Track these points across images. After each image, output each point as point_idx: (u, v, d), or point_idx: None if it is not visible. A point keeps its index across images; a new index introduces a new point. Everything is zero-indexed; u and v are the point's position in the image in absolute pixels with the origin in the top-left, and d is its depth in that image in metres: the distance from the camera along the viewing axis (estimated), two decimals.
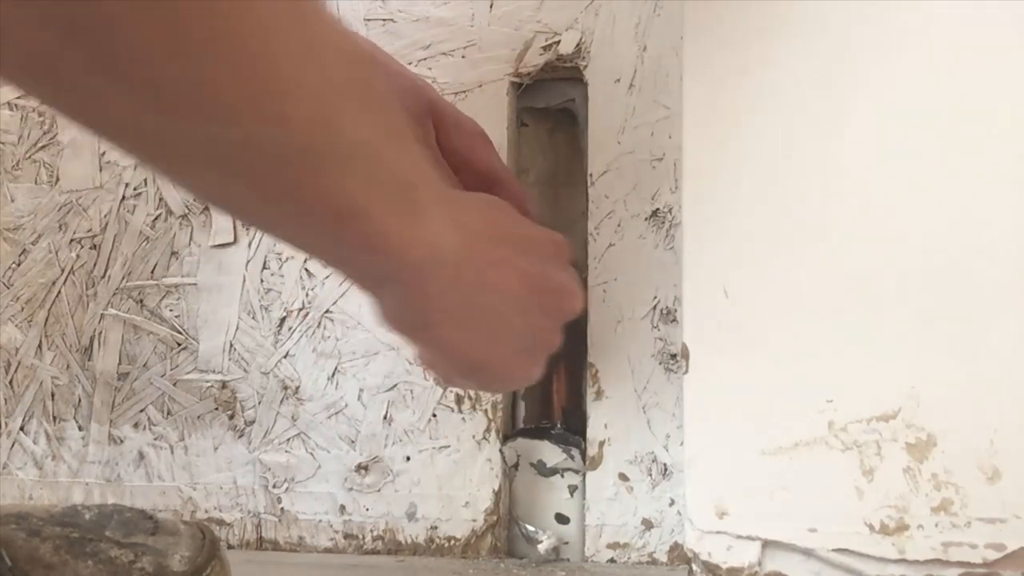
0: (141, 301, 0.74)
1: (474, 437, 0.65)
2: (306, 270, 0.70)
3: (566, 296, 0.49)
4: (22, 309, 0.77)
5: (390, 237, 0.35)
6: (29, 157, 0.78)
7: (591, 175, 0.64)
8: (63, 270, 0.76)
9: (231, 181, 0.32)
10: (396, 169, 0.35)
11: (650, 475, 0.61)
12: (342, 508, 0.67)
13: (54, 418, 0.75)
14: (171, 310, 0.73)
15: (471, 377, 0.47)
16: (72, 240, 0.76)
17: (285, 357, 0.70)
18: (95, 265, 0.75)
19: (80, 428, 0.74)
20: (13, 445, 0.75)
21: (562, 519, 0.64)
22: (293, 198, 0.33)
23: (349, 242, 0.35)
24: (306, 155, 0.31)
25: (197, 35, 0.26)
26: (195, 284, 0.73)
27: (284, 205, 0.33)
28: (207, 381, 0.72)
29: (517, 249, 0.45)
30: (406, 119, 0.38)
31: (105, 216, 0.75)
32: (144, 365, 0.73)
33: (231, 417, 0.71)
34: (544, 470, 0.64)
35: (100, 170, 0.76)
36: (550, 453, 0.64)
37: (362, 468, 0.67)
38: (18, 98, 0.79)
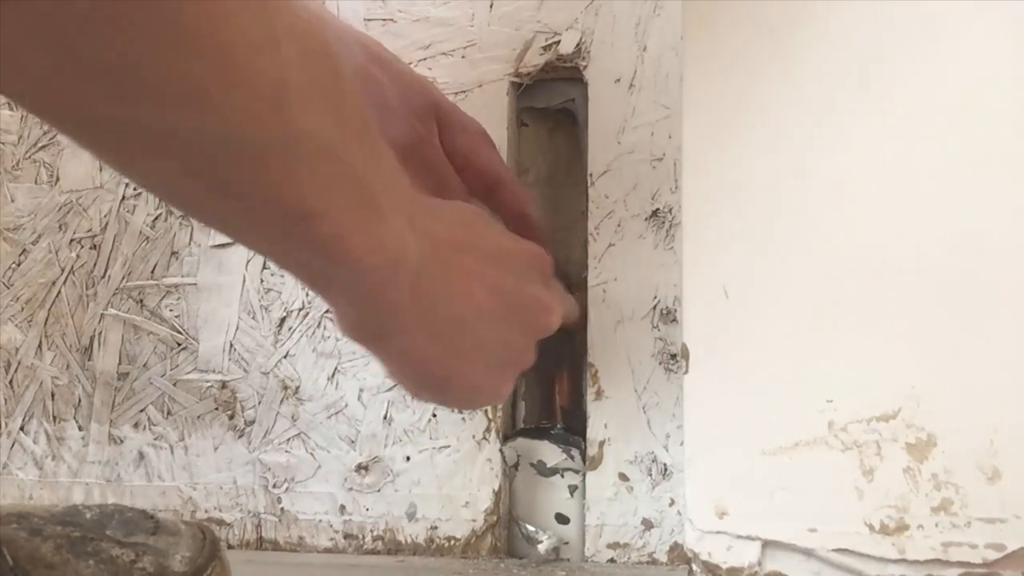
0: (141, 301, 0.74)
1: (474, 437, 0.65)
2: None
3: (540, 312, 0.47)
4: (22, 309, 0.77)
5: (345, 240, 0.34)
6: (29, 157, 0.78)
7: (591, 175, 0.64)
8: (63, 270, 0.76)
9: (181, 174, 0.31)
10: (357, 172, 0.34)
11: (650, 475, 0.61)
12: (342, 508, 0.67)
13: (54, 418, 0.75)
14: (171, 310, 0.73)
15: (435, 391, 0.45)
16: (72, 240, 0.76)
17: (285, 357, 0.70)
18: (95, 265, 0.75)
19: (80, 428, 0.74)
20: (13, 445, 0.75)
21: (562, 519, 0.64)
22: (245, 194, 0.32)
23: (303, 244, 0.34)
24: (259, 150, 0.30)
25: (151, 19, 0.26)
26: (195, 284, 0.73)
27: (236, 202, 0.32)
28: (207, 381, 0.72)
29: (489, 261, 0.44)
30: (376, 124, 0.36)
31: (105, 216, 0.75)
32: (144, 365, 0.73)
33: (231, 417, 0.71)
34: (544, 470, 0.64)
35: (100, 170, 0.76)
36: (550, 453, 0.64)
37: (362, 468, 0.67)
38: None
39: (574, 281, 0.64)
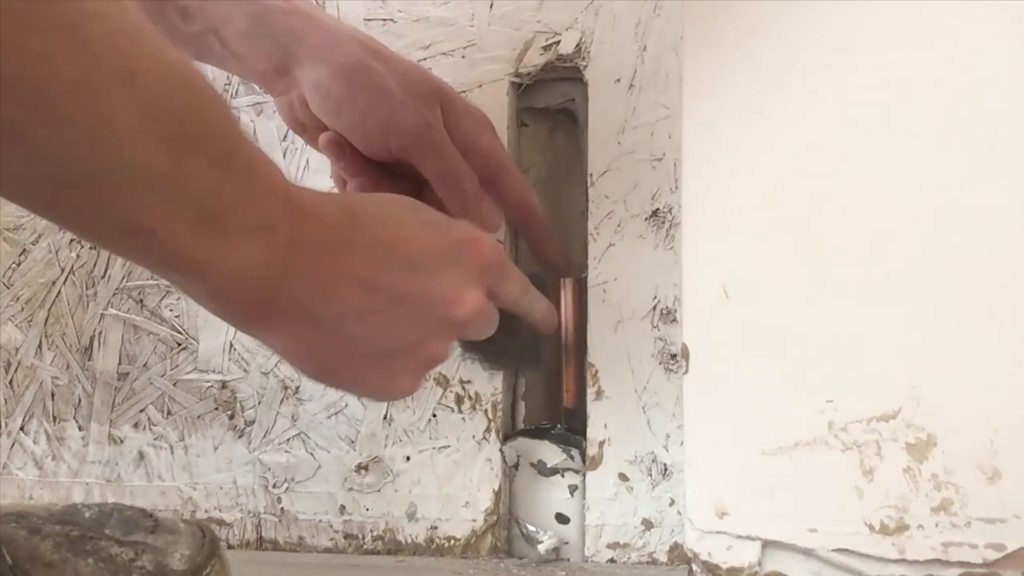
0: (141, 301, 0.74)
1: (474, 437, 0.65)
2: None
3: (439, 304, 0.46)
4: (22, 309, 0.77)
5: (183, 256, 0.36)
6: None
7: (591, 175, 0.64)
8: (63, 270, 0.76)
9: (23, 196, 0.33)
10: (196, 195, 0.35)
11: (650, 475, 0.61)
12: (342, 508, 0.67)
13: (54, 418, 0.75)
14: (171, 310, 0.73)
15: (323, 381, 0.47)
16: (72, 240, 0.76)
17: None
18: (95, 265, 0.75)
19: (80, 428, 0.74)
20: (13, 445, 0.75)
21: (562, 519, 0.64)
22: (85, 215, 0.34)
23: (148, 258, 0.37)
24: (89, 179, 0.32)
25: None
26: None
27: (80, 220, 0.34)
28: (207, 381, 0.72)
29: (368, 258, 0.43)
30: (239, 144, 0.38)
31: None
32: (144, 365, 0.73)
33: (231, 417, 0.71)
34: (544, 470, 0.64)
35: None
36: (550, 453, 0.64)
37: (362, 468, 0.67)
38: None
39: (564, 271, 0.64)
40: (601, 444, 0.62)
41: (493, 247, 0.49)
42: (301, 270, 0.41)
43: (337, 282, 0.42)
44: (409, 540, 0.66)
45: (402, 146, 0.53)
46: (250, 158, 0.38)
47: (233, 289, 0.39)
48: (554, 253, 0.63)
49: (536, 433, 0.65)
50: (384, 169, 0.55)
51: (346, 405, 0.68)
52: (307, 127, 0.55)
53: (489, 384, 0.65)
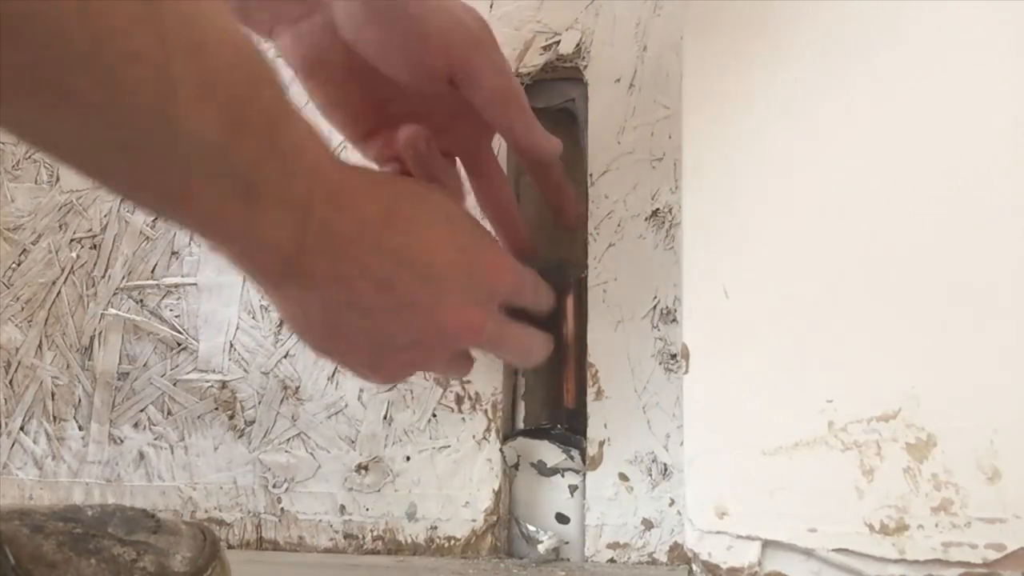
0: (141, 301, 0.74)
1: (474, 437, 0.65)
2: None
3: (443, 321, 0.48)
4: (22, 309, 0.77)
5: (219, 221, 0.37)
6: (29, 157, 0.78)
7: (591, 175, 0.65)
8: (63, 270, 0.76)
9: (71, 158, 0.33)
10: (241, 165, 0.36)
11: (650, 475, 0.61)
12: (342, 508, 0.67)
13: (54, 418, 0.75)
14: (171, 310, 0.73)
15: (316, 353, 0.49)
16: (72, 240, 0.76)
17: (285, 357, 0.70)
18: (95, 265, 0.75)
19: (80, 428, 0.74)
20: (13, 445, 0.75)
21: (562, 519, 0.64)
22: (130, 178, 0.35)
23: (180, 220, 0.38)
24: (143, 144, 0.33)
25: (36, 32, 0.27)
26: (195, 284, 0.73)
27: (122, 184, 0.35)
28: (207, 381, 0.72)
29: (401, 264, 0.45)
30: (288, 121, 0.38)
31: (105, 216, 0.75)
32: (144, 365, 0.73)
33: (231, 417, 0.71)
34: (544, 470, 0.64)
35: None
36: (550, 453, 0.64)
37: (362, 468, 0.67)
38: None
39: (572, 278, 0.64)
40: (601, 444, 0.62)
41: (510, 270, 0.51)
42: (326, 255, 0.42)
43: (355, 275, 0.44)
44: (409, 540, 0.66)
45: (463, 56, 0.48)
46: (297, 136, 0.39)
47: (260, 256, 0.40)
48: (568, 202, 0.60)
49: (536, 433, 0.65)
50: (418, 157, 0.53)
51: (346, 405, 0.68)
52: (321, 66, 0.50)
53: (489, 384, 0.65)
